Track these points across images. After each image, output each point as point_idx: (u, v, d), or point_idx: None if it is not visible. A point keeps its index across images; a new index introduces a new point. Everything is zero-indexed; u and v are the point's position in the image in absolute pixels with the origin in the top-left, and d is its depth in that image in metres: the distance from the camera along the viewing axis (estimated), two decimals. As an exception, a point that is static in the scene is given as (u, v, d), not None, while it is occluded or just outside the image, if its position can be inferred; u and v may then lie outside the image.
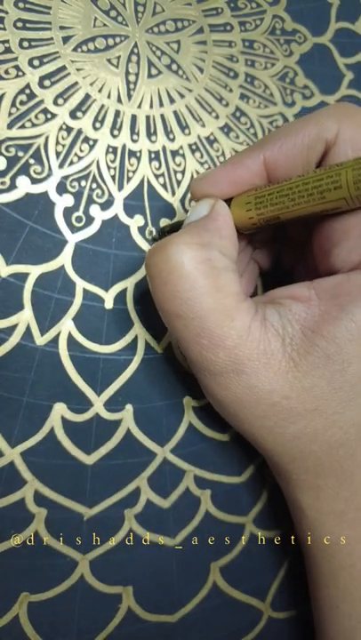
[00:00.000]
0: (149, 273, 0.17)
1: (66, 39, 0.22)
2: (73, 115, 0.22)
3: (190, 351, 0.17)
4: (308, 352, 0.16)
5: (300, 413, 0.17)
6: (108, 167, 0.23)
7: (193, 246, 0.17)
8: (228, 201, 0.19)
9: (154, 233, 0.23)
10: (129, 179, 0.23)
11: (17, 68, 0.21)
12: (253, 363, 0.16)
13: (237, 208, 0.18)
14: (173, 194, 0.24)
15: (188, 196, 0.24)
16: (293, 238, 0.22)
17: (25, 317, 0.21)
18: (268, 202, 0.17)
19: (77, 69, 0.22)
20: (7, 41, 0.21)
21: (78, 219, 0.22)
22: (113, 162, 0.23)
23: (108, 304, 0.22)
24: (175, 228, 0.21)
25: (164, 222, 0.23)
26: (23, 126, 0.21)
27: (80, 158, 0.22)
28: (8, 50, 0.21)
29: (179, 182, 0.24)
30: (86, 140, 0.22)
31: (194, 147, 0.24)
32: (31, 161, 0.21)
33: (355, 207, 0.16)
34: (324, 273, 0.19)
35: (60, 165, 0.22)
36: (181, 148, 0.24)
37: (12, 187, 0.21)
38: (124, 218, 0.23)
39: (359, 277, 0.17)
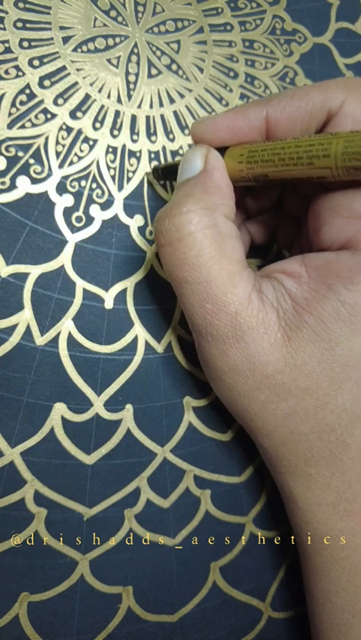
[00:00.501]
0: (159, 241, 0.18)
1: (66, 39, 0.22)
2: (73, 115, 0.22)
3: (195, 315, 0.18)
4: (299, 328, 0.17)
5: (292, 391, 0.17)
6: (108, 167, 0.23)
7: (200, 212, 0.17)
8: (222, 151, 0.19)
9: (150, 175, 0.23)
10: (129, 179, 0.23)
11: (17, 67, 0.21)
12: (252, 331, 0.17)
13: (230, 159, 0.18)
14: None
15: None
16: (290, 214, 0.22)
17: (25, 317, 0.21)
18: (259, 157, 0.18)
19: (77, 69, 0.22)
20: (7, 41, 0.21)
21: (78, 219, 0.22)
22: (113, 162, 0.23)
23: (108, 304, 0.22)
24: (168, 168, 0.21)
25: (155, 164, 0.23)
26: (23, 126, 0.21)
27: (80, 158, 0.22)
28: (8, 50, 0.21)
29: (179, 182, 0.24)
30: (86, 139, 0.22)
31: (194, 147, 0.24)
32: (31, 161, 0.21)
33: (339, 179, 0.16)
34: (316, 250, 0.19)
35: (60, 165, 0.22)
36: (181, 148, 0.24)
37: (12, 187, 0.21)
38: (124, 218, 0.23)
39: (348, 257, 0.17)
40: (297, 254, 0.22)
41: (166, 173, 0.22)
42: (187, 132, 0.24)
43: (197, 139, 0.19)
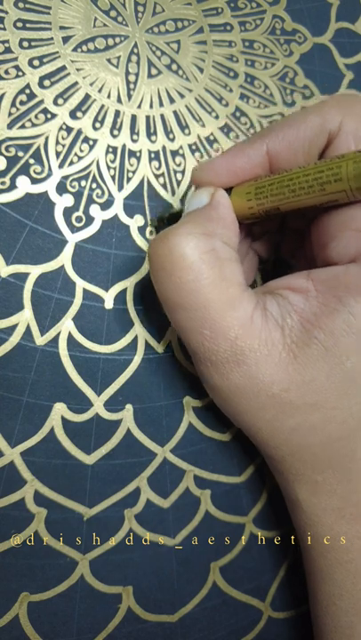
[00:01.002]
0: (153, 265, 0.17)
1: (66, 39, 0.22)
2: (73, 115, 0.22)
3: (192, 342, 0.17)
4: (307, 344, 0.16)
5: (299, 407, 0.17)
6: (108, 167, 0.23)
7: (197, 236, 0.16)
8: (229, 190, 0.18)
9: (154, 222, 0.23)
10: (129, 179, 0.23)
11: (17, 67, 0.21)
12: (255, 353, 0.16)
13: (237, 197, 0.18)
14: (173, 194, 0.24)
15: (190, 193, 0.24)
16: (293, 229, 0.22)
17: (25, 317, 0.21)
18: (268, 192, 0.17)
19: (77, 69, 0.22)
20: (7, 41, 0.21)
21: (78, 219, 0.22)
22: (113, 162, 0.23)
23: (108, 304, 0.22)
24: (174, 216, 0.21)
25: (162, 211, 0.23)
26: (23, 126, 0.21)
27: (80, 158, 0.22)
28: (8, 50, 0.21)
29: (179, 182, 0.24)
30: (86, 140, 0.22)
31: (194, 147, 0.24)
32: (31, 161, 0.21)
33: (355, 200, 0.16)
34: (321, 265, 0.19)
35: (60, 165, 0.22)
36: (181, 148, 0.24)
37: (12, 187, 0.21)
38: (124, 218, 0.23)
39: (357, 270, 0.17)
40: (303, 262, 0.21)
41: (172, 221, 0.21)
42: (187, 131, 0.24)
43: (199, 185, 0.19)
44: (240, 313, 0.16)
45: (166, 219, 0.22)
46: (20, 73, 0.21)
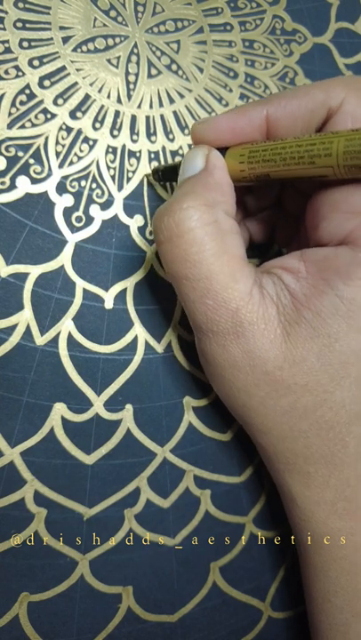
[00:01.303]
0: (158, 237, 0.17)
1: (66, 39, 0.22)
2: (73, 115, 0.22)
3: (196, 312, 0.18)
4: (298, 323, 0.17)
5: (291, 387, 0.17)
6: (108, 167, 0.23)
7: (200, 208, 0.17)
8: (223, 150, 0.19)
9: (149, 175, 0.23)
10: (129, 179, 0.23)
11: (17, 68, 0.21)
12: (253, 327, 0.17)
13: (231, 159, 0.18)
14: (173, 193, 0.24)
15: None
16: (289, 210, 0.22)
17: (25, 317, 0.21)
18: (260, 157, 0.17)
19: (77, 69, 0.22)
20: (7, 41, 0.21)
21: (78, 219, 0.22)
22: (113, 162, 0.23)
23: (108, 304, 0.22)
24: (169, 169, 0.21)
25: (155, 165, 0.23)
26: (23, 126, 0.21)
27: (80, 158, 0.22)
28: (8, 50, 0.21)
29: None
30: (86, 140, 0.22)
31: (194, 147, 0.24)
32: (31, 161, 0.21)
33: (341, 178, 0.16)
34: (313, 246, 0.19)
35: (60, 165, 0.22)
36: (181, 148, 0.24)
37: (12, 187, 0.21)
38: (123, 218, 0.23)
39: (346, 252, 0.17)
40: (296, 249, 0.22)
41: (167, 174, 0.22)
42: (187, 131, 0.24)
43: (198, 139, 0.19)
44: (240, 286, 0.17)
45: (161, 171, 0.22)
46: (20, 73, 0.21)
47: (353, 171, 0.16)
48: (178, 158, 0.24)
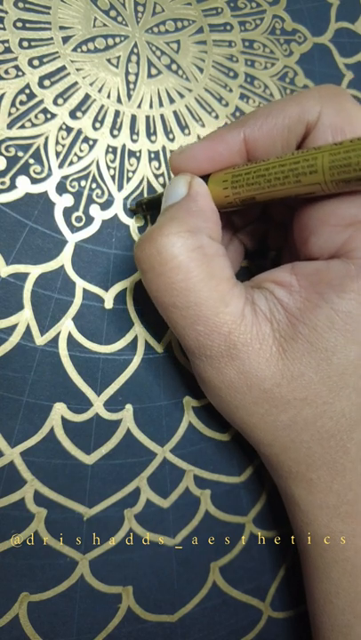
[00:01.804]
0: (141, 267, 0.17)
1: (66, 39, 0.22)
2: (73, 115, 0.22)
3: (187, 338, 0.17)
4: (293, 339, 0.17)
5: (291, 402, 0.17)
6: (108, 167, 0.23)
7: (183, 234, 0.16)
8: (206, 177, 0.18)
9: (132, 207, 0.23)
10: (129, 179, 0.23)
11: (17, 67, 0.21)
12: (247, 348, 0.17)
13: (214, 185, 0.18)
14: (173, 194, 0.24)
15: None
16: (278, 221, 0.22)
17: (25, 317, 0.21)
18: (244, 181, 0.17)
19: (77, 69, 0.22)
20: (7, 41, 0.21)
21: (78, 218, 0.22)
22: (113, 162, 0.23)
23: (108, 304, 0.22)
24: (152, 201, 0.21)
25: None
26: (23, 126, 0.21)
27: (80, 158, 0.22)
28: (8, 50, 0.21)
29: (179, 182, 0.24)
30: (86, 139, 0.22)
31: (194, 147, 0.24)
32: (31, 161, 0.21)
33: (329, 193, 0.16)
34: (304, 259, 0.19)
35: (60, 165, 0.22)
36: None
37: (12, 187, 0.21)
38: (123, 218, 0.23)
39: (338, 265, 0.17)
40: (287, 254, 0.21)
41: (150, 206, 0.21)
42: (187, 131, 0.24)
43: (177, 170, 0.19)
44: (232, 308, 0.17)
45: (144, 203, 0.22)
46: (20, 73, 0.21)
47: (341, 185, 0.15)
48: (161, 190, 0.24)
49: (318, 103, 0.17)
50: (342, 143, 0.15)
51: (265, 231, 0.23)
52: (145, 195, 0.23)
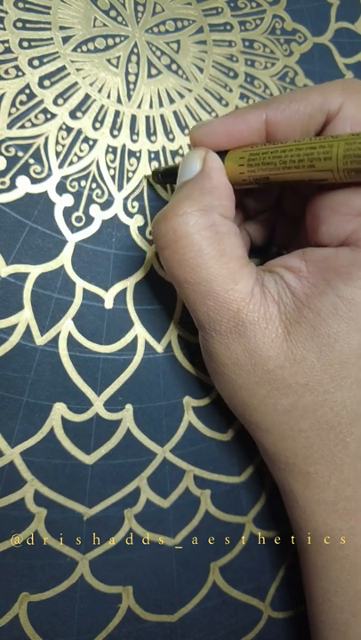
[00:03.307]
0: (158, 244, 0.18)
1: (66, 39, 0.22)
2: (73, 115, 0.22)
3: (198, 312, 0.18)
4: (298, 322, 0.17)
5: (292, 386, 0.17)
6: (108, 167, 0.23)
7: (196, 213, 0.17)
8: (224, 153, 0.19)
9: (148, 176, 0.23)
10: (129, 179, 0.23)
11: (17, 67, 0.21)
12: (254, 326, 0.17)
13: (231, 162, 0.18)
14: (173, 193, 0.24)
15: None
16: (288, 214, 0.22)
17: (25, 317, 0.21)
18: (260, 160, 0.18)
19: (77, 69, 0.22)
20: (7, 41, 0.21)
21: (78, 218, 0.22)
22: (113, 162, 0.23)
23: (108, 304, 0.22)
24: (168, 171, 0.21)
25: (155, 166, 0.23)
26: (23, 126, 0.21)
27: (80, 158, 0.22)
28: (8, 50, 0.21)
29: (179, 182, 0.24)
30: (86, 139, 0.22)
31: (194, 147, 0.24)
32: (31, 161, 0.21)
33: (341, 181, 0.16)
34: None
35: (60, 165, 0.22)
36: (181, 148, 0.24)
37: (12, 187, 0.21)
38: (123, 218, 0.23)
39: (347, 253, 0.17)
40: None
41: (166, 176, 0.22)
42: (186, 132, 0.24)
43: (196, 143, 0.19)
44: (241, 286, 0.17)
45: (160, 173, 0.22)
46: (20, 73, 0.21)
47: (352, 175, 0.16)
48: (178, 159, 0.24)
49: (341, 95, 0.17)
50: (360, 134, 0.16)
51: (273, 224, 0.23)
52: (145, 195, 0.23)
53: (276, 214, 0.23)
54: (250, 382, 0.18)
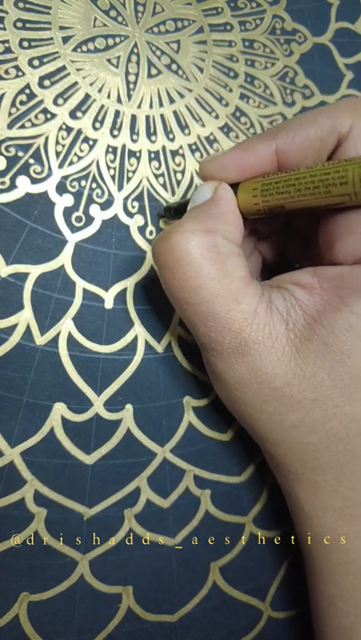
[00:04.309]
0: (157, 262, 0.18)
1: (66, 39, 0.22)
2: (73, 115, 0.22)
3: (199, 333, 0.18)
4: (309, 340, 0.17)
5: (300, 402, 0.17)
6: (108, 167, 0.23)
7: (198, 233, 0.17)
8: (237, 185, 0.19)
9: (161, 213, 0.23)
10: (129, 179, 0.23)
11: (17, 67, 0.21)
12: (258, 346, 0.17)
13: (244, 193, 0.18)
14: (173, 194, 0.24)
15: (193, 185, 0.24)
16: (299, 231, 0.22)
17: (25, 317, 0.21)
18: (274, 190, 0.17)
19: (77, 69, 0.22)
20: (7, 41, 0.21)
21: (78, 218, 0.22)
22: (113, 162, 0.23)
23: (108, 304, 0.22)
24: (180, 207, 0.21)
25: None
26: (23, 126, 0.21)
27: (80, 158, 0.22)
28: (8, 50, 0.21)
29: (178, 182, 0.24)
30: (86, 139, 0.22)
31: (194, 147, 0.24)
32: (31, 161, 0.21)
33: (358, 204, 0.16)
34: (328, 265, 0.19)
35: (60, 165, 0.22)
36: (181, 147, 0.24)
37: (12, 187, 0.21)
38: (123, 218, 0.23)
39: None
40: (308, 265, 0.22)
41: (178, 211, 0.22)
42: (187, 131, 0.24)
43: (206, 177, 0.19)
44: (243, 306, 0.17)
45: (173, 209, 0.22)
46: (20, 73, 0.21)
47: None
48: (178, 158, 0.24)
49: (350, 116, 0.17)
50: None
51: (285, 243, 0.23)
52: (145, 195, 0.23)
53: (287, 232, 0.23)
54: (256, 400, 0.17)
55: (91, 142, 0.22)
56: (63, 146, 0.22)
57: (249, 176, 0.18)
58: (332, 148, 0.18)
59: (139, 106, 0.23)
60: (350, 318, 0.16)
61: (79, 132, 0.22)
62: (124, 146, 0.23)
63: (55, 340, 0.21)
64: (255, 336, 0.17)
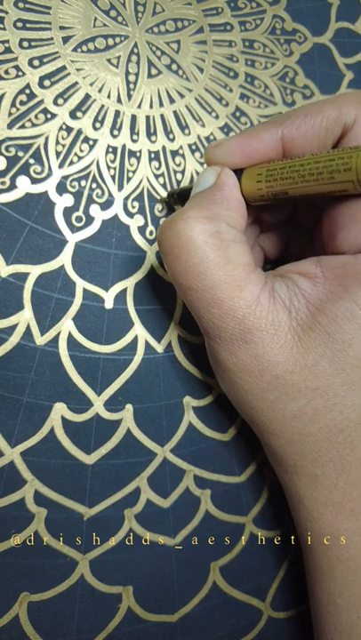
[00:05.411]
0: (162, 249, 0.18)
1: (66, 39, 0.22)
2: (73, 115, 0.22)
3: (202, 320, 0.18)
4: (311, 328, 0.17)
5: (302, 391, 0.17)
6: (108, 167, 0.23)
7: (201, 220, 0.17)
8: (241, 170, 0.19)
9: (164, 198, 0.23)
10: (129, 179, 0.23)
11: (17, 67, 0.21)
12: (261, 333, 0.17)
13: (248, 179, 0.18)
14: (173, 194, 0.24)
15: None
16: (302, 224, 0.22)
17: (25, 317, 0.21)
18: (278, 175, 0.18)
19: (77, 69, 0.22)
20: (7, 41, 0.21)
21: (78, 218, 0.22)
22: (113, 162, 0.23)
23: (108, 304, 0.22)
24: (184, 192, 0.21)
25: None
26: (23, 126, 0.21)
27: (80, 158, 0.22)
28: (8, 50, 0.21)
29: (178, 182, 0.24)
30: (86, 139, 0.22)
31: (194, 147, 0.24)
32: (31, 161, 0.21)
33: None
34: (331, 255, 0.19)
35: (60, 165, 0.22)
36: (181, 147, 0.24)
37: (12, 187, 0.21)
38: (123, 218, 0.23)
39: None
40: None
41: (182, 197, 0.22)
42: (187, 131, 0.24)
43: (211, 163, 0.19)
44: (246, 293, 0.17)
45: (176, 194, 0.22)
46: (20, 73, 0.21)
47: None
48: (178, 158, 0.24)
49: (355, 107, 0.17)
50: None
51: (288, 238, 0.23)
52: (145, 195, 0.23)
53: (290, 226, 0.23)
54: (257, 387, 0.17)
55: (91, 142, 0.22)
56: (63, 146, 0.22)
57: (254, 162, 0.18)
58: (337, 138, 0.18)
59: (139, 106, 0.23)
60: (353, 307, 0.16)
61: (79, 131, 0.22)
62: (124, 146, 0.23)
63: (55, 340, 0.21)
64: (258, 323, 0.17)
